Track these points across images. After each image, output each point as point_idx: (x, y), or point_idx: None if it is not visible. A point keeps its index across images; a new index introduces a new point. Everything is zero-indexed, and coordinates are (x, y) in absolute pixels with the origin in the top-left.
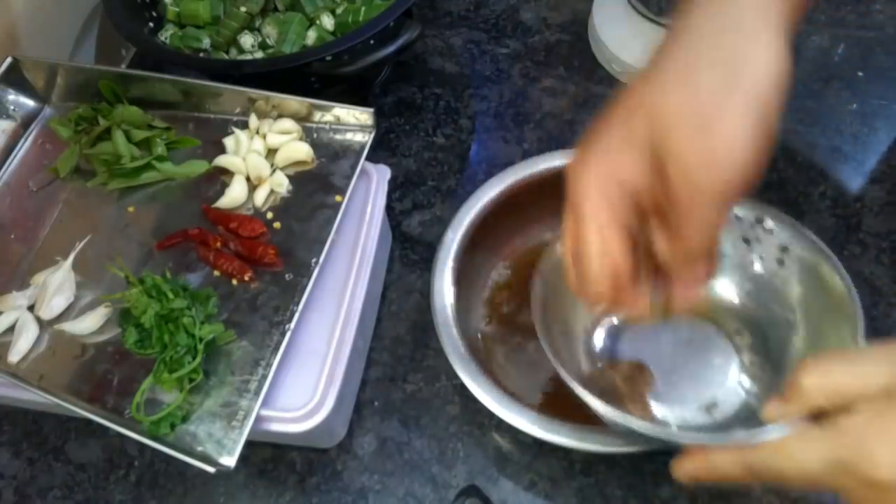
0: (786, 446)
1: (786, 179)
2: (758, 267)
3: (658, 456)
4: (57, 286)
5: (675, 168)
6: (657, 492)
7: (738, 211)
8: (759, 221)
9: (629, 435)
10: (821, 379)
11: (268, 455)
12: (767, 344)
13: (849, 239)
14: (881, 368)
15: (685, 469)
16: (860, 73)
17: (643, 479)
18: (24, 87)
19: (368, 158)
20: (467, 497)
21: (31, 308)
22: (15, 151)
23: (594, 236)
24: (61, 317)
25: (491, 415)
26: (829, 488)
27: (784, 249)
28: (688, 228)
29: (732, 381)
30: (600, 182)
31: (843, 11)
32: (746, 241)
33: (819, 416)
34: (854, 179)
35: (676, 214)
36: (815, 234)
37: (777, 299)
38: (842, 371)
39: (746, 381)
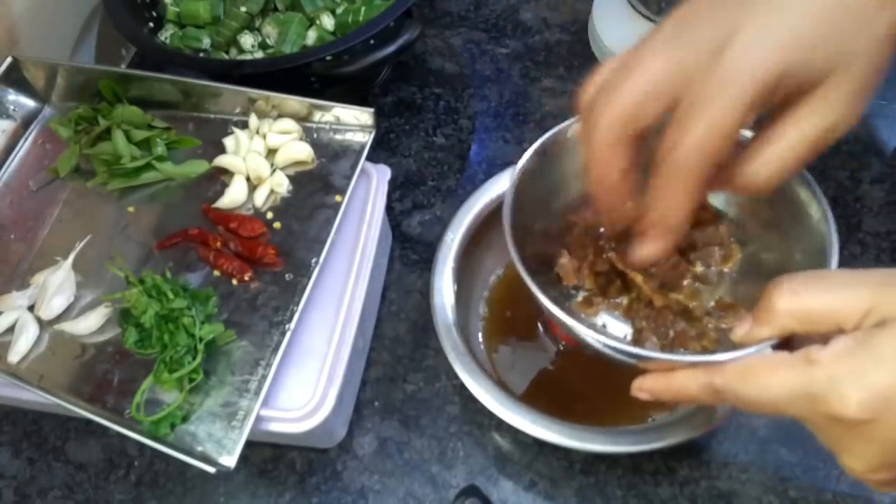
0: (754, 371)
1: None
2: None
3: (658, 456)
4: (57, 286)
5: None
6: (657, 492)
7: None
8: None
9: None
10: (795, 302)
11: (268, 455)
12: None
13: (849, 239)
14: (858, 294)
15: (646, 386)
16: None
17: (643, 479)
18: (24, 87)
19: (368, 158)
20: (467, 497)
21: (31, 308)
22: (15, 151)
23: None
24: (61, 317)
25: (491, 415)
26: (790, 416)
27: None
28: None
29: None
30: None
31: None
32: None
33: (789, 340)
34: (854, 179)
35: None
36: None
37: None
38: (817, 296)
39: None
